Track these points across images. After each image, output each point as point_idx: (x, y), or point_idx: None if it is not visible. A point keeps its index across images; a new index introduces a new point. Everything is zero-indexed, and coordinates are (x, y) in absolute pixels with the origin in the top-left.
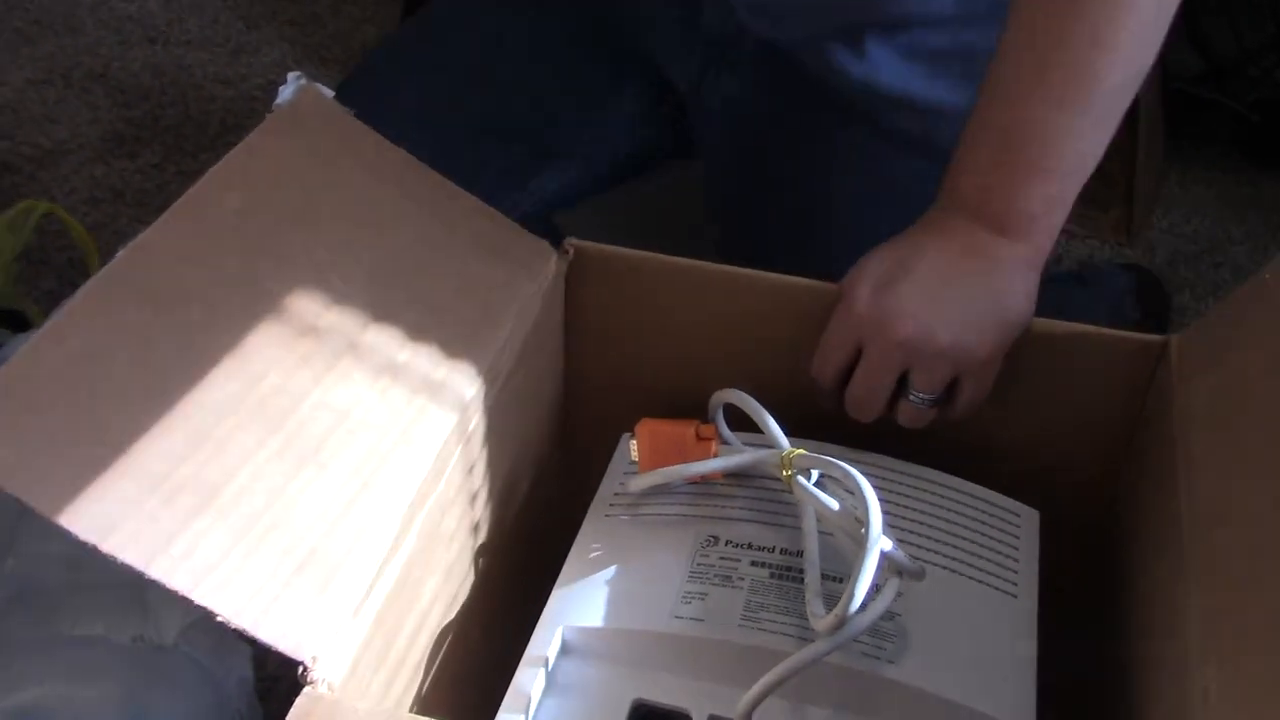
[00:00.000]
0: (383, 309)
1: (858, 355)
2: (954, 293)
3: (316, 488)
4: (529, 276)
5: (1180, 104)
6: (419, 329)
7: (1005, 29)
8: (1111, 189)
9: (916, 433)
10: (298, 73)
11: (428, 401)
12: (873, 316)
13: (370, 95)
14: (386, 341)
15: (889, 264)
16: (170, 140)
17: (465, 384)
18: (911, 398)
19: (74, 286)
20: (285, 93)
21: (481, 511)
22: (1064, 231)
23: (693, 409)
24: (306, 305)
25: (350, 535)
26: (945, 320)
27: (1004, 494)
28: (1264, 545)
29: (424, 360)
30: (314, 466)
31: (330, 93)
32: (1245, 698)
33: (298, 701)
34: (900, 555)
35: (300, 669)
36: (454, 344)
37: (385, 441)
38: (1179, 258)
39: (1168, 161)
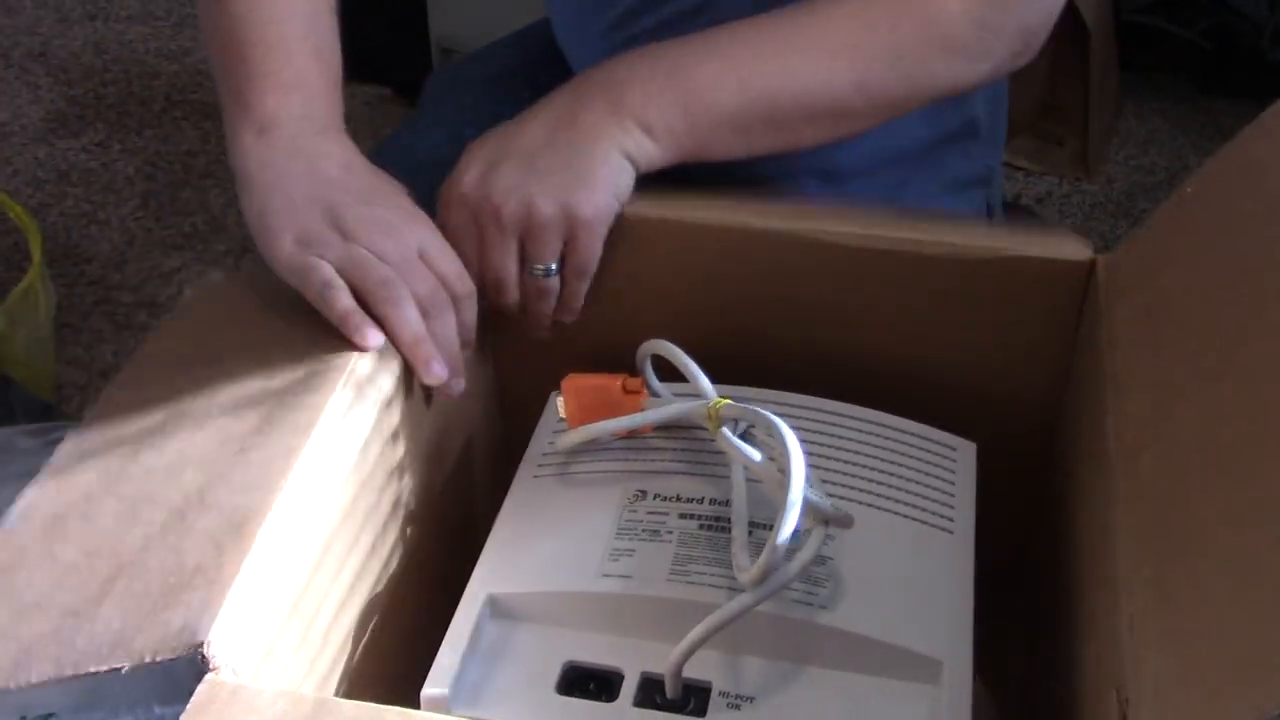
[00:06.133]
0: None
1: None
2: (548, 162)
3: (217, 469)
4: None
5: (1133, 35)
6: (304, 316)
7: (824, 4)
8: (1066, 122)
9: (850, 370)
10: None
11: (325, 377)
12: (479, 198)
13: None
14: (275, 330)
15: (491, 146)
16: (114, 118)
17: (364, 356)
18: (530, 270)
19: (20, 270)
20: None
21: (406, 478)
22: (1019, 169)
23: (627, 361)
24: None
25: (255, 516)
26: (544, 189)
27: (942, 428)
28: (1185, 468)
29: (315, 340)
30: (215, 445)
31: (217, 277)
32: (1166, 626)
33: (199, 689)
34: (825, 504)
35: (199, 658)
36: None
37: (284, 420)
38: (1137, 189)
39: (1123, 93)
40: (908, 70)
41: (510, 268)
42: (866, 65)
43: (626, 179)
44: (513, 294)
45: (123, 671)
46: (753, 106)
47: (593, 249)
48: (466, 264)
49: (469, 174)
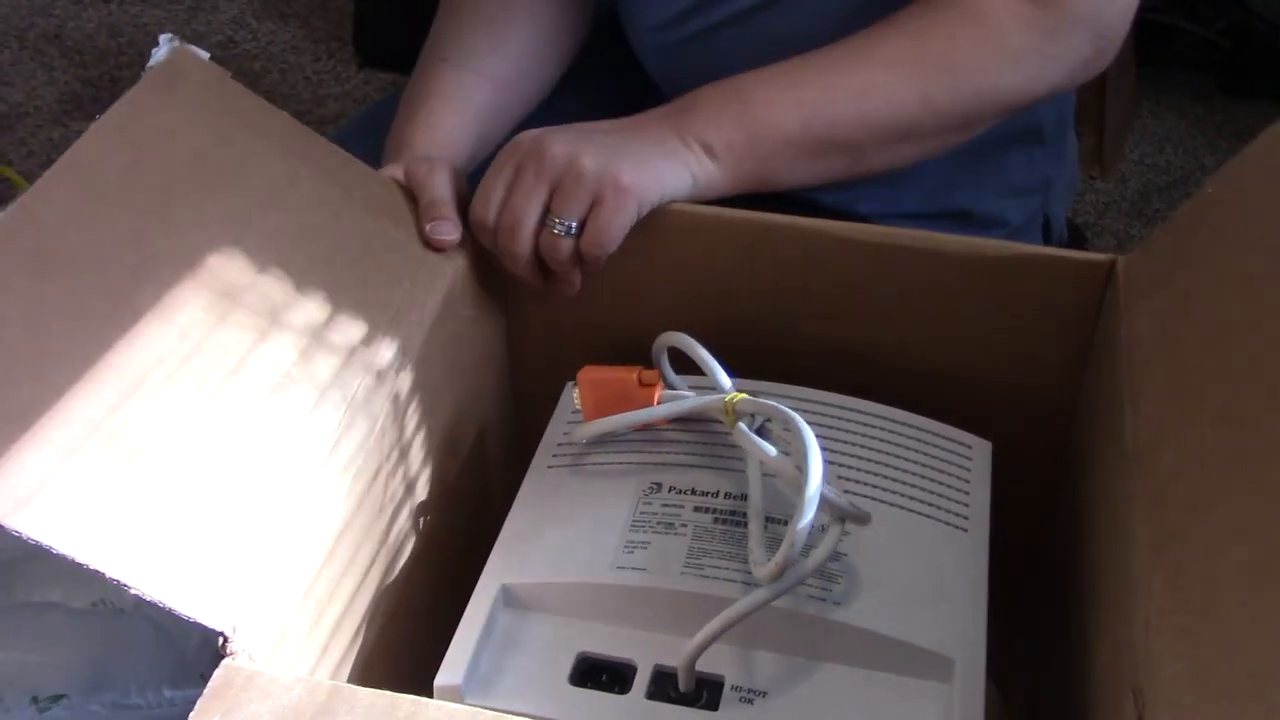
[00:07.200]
0: (282, 274)
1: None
2: (609, 138)
3: (233, 454)
4: None
5: (1150, 33)
6: (322, 293)
7: (880, 26)
8: (1082, 119)
9: (867, 366)
10: (169, 34)
11: (340, 365)
12: (531, 144)
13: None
14: (292, 307)
15: (561, 125)
16: None
17: (379, 343)
18: (548, 222)
19: None
20: (158, 54)
21: (420, 468)
22: None
23: (642, 352)
24: (202, 267)
25: (270, 502)
26: (594, 150)
27: (958, 426)
28: (1203, 470)
29: (332, 325)
30: (230, 431)
31: (205, 54)
32: (1182, 628)
33: (215, 674)
34: (842, 501)
35: (220, 640)
36: (362, 306)
37: (299, 407)
38: (1151, 188)
39: (1139, 91)
40: (972, 82)
41: (530, 213)
42: (928, 78)
43: (679, 185)
44: (523, 241)
45: (129, 590)
46: (814, 125)
47: (616, 219)
48: (483, 198)
49: (531, 130)
